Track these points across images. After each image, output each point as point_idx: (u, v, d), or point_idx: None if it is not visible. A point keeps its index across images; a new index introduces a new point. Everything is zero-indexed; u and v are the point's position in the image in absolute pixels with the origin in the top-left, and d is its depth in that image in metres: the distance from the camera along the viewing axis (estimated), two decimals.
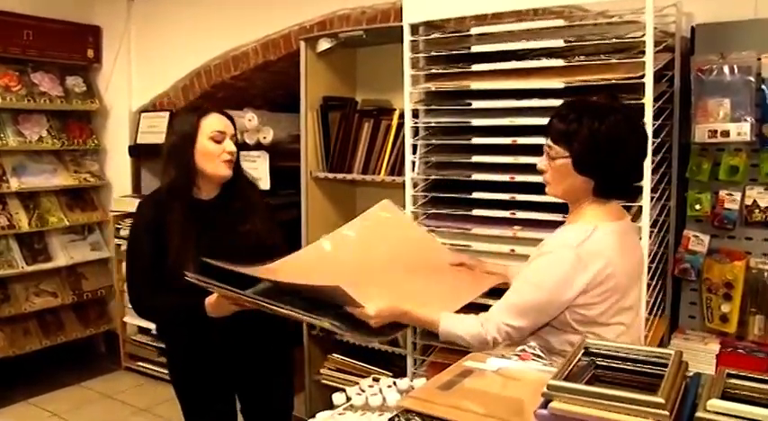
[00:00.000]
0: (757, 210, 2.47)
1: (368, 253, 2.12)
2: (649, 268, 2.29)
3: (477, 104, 2.52)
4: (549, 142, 1.71)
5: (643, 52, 2.18)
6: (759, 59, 2.38)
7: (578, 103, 1.77)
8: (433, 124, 2.67)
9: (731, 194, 2.51)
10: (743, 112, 2.38)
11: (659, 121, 2.37)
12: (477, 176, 2.53)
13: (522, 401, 1.28)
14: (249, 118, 3.89)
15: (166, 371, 3.96)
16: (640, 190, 2.21)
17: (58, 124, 4.39)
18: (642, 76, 2.17)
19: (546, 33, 2.46)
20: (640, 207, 2.25)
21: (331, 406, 1.57)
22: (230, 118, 2.16)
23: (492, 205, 2.52)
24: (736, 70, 2.40)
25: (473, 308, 1.96)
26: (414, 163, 2.69)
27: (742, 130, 2.38)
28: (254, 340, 2.21)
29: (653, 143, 2.20)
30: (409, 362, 2.77)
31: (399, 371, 3.00)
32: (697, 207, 2.56)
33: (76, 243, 4.51)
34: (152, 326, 4.03)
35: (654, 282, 2.44)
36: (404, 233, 2.31)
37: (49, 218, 4.29)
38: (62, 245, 4.41)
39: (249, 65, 3.90)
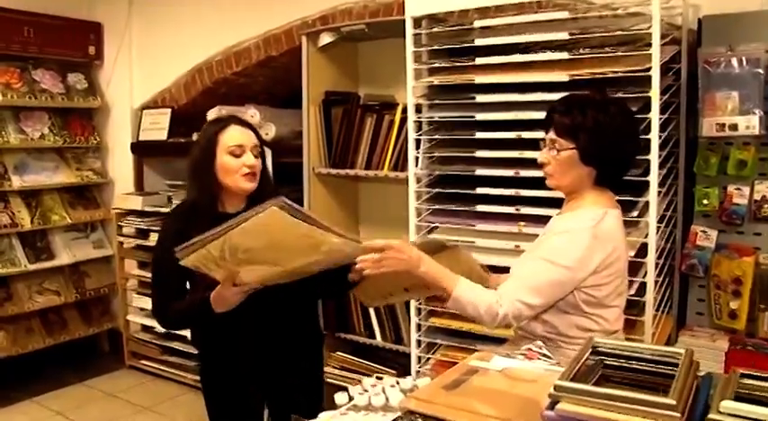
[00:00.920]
0: (766, 205, 2.43)
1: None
2: (656, 264, 2.26)
3: (480, 98, 2.49)
4: (553, 135, 1.77)
5: (649, 45, 2.15)
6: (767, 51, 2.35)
7: (576, 97, 1.86)
8: (436, 119, 2.64)
9: (740, 189, 2.47)
10: (751, 105, 2.33)
11: (666, 115, 2.33)
12: (481, 171, 2.50)
13: (528, 402, 1.24)
14: (251, 114, 3.85)
15: (170, 370, 4.08)
16: (647, 184, 2.18)
17: (59, 121, 4.36)
18: (649, 69, 2.14)
19: (550, 26, 2.42)
20: (647, 202, 2.22)
21: (333, 405, 1.54)
22: (252, 127, 2.11)
23: (496, 201, 2.49)
24: (744, 62, 2.35)
25: None
26: (417, 158, 2.66)
27: (750, 124, 2.33)
28: (285, 344, 2.17)
29: (659, 137, 2.17)
30: (413, 359, 2.74)
31: (403, 370, 2.98)
32: (705, 202, 2.52)
33: (79, 241, 4.48)
34: (156, 324, 4.07)
35: (661, 279, 2.41)
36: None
37: (51, 216, 4.27)
38: (65, 243, 4.39)
39: (251, 60, 3.87)
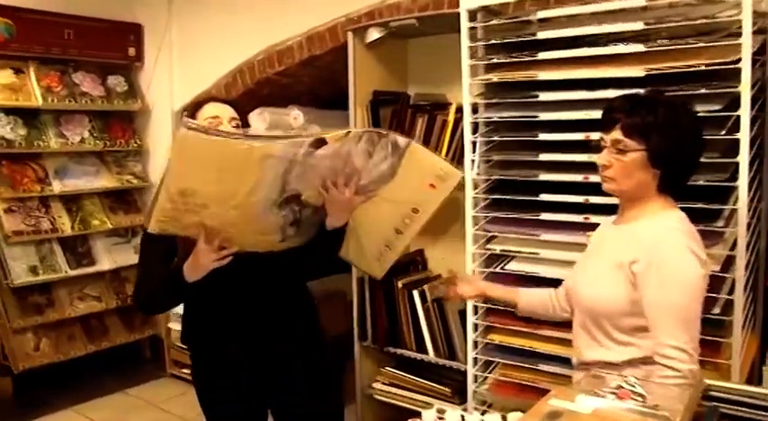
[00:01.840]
0: None
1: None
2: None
3: (544, 96, 2.29)
4: (619, 136, 1.64)
5: (734, 34, 1.93)
6: None
7: (639, 95, 1.74)
8: (494, 119, 2.44)
9: None
10: None
11: (753, 112, 2.10)
12: (545, 176, 2.30)
13: None
14: (294, 116, 3.72)
15: None
16: (728, 191, 1.96)
17: (99, 125, 4.28)
18: (737, 61, 1.91)
19: (621, 16, 2.20)
20: (733, 210, 2.00)
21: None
22: (230, 103, 2.12)
23: (562, 208, 2.28)
24: None
25: None
26: (473, 161, 2.48)
27: None
28: (275, 316, 2.11)
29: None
30: (469, 378, 2.55)
31: (457, 387, 2.80)
32: None
33: (120, 246, 4.39)
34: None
35: (746, 294, 2.18)
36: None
37: (91, 221, 4.20)
38: (105, 248, 4.31)
39: (294, 60, 3.71)
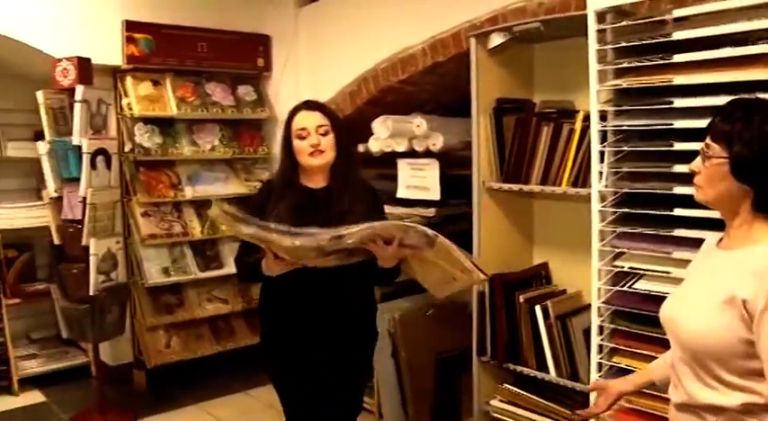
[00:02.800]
0: None
1: None
2: None
3: (680, 103, 2.12)
4: (708, 140, 1.50)
5: None
6: None
7: (747, 100, 1.54)
8: (624, 127, 2.28)
9: None
10: None
11: None
12: (680, 190, 2.11)
13: None
14: (417, 124, 3.68)
15: None
16: None
17: (229, 133, 4.44)
18: None
19: None
20: None
21: None
22: (320, 107, 2.37)
23: (699, 224, 2.09)
24: None
25: None
26: (601, 173, 2.33)
27: None
28: (342, 316, 2.34)
29: None
30: (591, 401, 2.40)
31: (578, 408, 2.64)
32: None
33: None
34: None
35: None
36: None
37: (220, 225, 4.34)
38: (233, 252, 4.40)
39: (417, 67, 3.68)
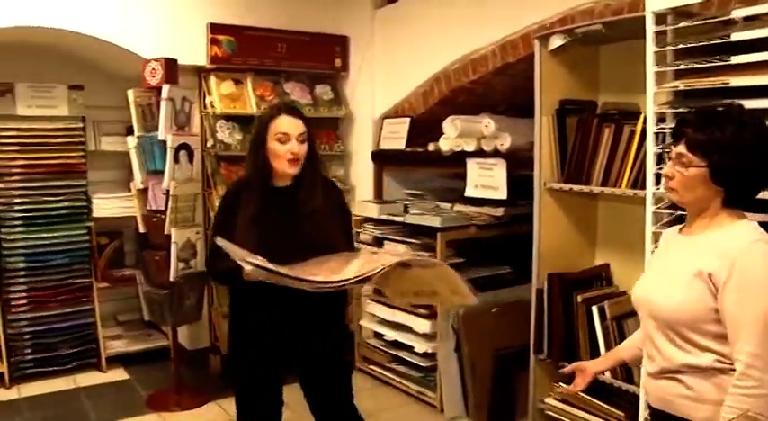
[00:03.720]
0: None
1: None
2: None
3: None
4: (682, 149, 1.66)
5: None
6: None
7: (713, 110, 1.73)
8: None
9: None
10: None
11: None
12: None
13: None
14: (486, 124, 3.73)
15: (396, 379, 4.09)
16: None
17: None
18: None
19: None
20: None
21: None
22: (300, 115, 2.38)
23: None
24: None
25: None
26: (657, 175, 2.32)
27: None
28: (312, 327, 2.43)
29: None
30: (642, 404, 2.40)
31: (631, 412, 2.64)
32: None
33: None
34: (385, 331, 4.15)
35: None
36: None
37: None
38: None
39: (488, 68, 3.73)
